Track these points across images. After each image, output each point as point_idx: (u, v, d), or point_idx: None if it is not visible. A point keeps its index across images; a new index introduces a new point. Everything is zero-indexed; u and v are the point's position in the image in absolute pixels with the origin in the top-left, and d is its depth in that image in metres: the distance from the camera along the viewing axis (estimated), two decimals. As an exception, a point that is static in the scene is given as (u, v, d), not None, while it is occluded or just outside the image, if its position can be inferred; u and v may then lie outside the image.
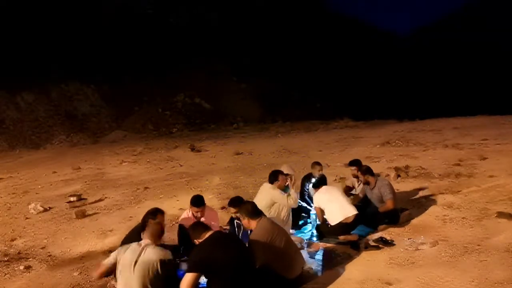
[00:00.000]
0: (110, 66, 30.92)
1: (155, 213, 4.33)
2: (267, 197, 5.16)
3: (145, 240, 3.60)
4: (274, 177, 5.35)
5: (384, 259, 4.37)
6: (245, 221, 4.00)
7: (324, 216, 5.27)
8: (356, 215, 5.01)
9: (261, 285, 3.43)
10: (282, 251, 3.82)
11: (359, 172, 5.76)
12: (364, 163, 6.46)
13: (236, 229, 4.80)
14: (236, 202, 4.70)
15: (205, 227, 3.56)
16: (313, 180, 6.50)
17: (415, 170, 8.60)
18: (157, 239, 3.66)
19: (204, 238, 3.45)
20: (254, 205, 4.13)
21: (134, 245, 3.59)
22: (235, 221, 4.80)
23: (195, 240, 3.56)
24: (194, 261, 3.31)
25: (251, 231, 4.04)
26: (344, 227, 4.97)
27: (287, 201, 5.11)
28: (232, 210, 4.73)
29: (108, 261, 3.66)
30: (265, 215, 4.14)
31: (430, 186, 7.27)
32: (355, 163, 6.21)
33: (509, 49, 73.87)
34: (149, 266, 3.41)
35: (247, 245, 3.77)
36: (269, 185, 5.33)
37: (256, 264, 3.60)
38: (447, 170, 8.38)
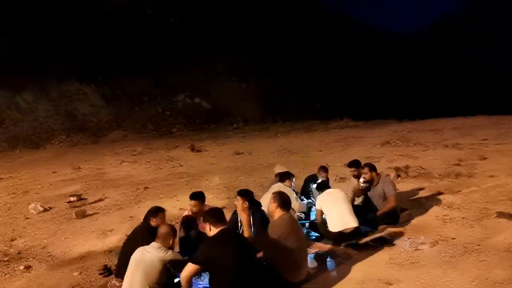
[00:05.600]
0: (110, 66, 30.87)
1: (157, 212, 4.35)
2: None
3: (155, 243, 3.65)
4: (286, 176, 5.72)
5: (384, 259, 4.37)
6: (272, 205, 4.04)
7: (324, 217, 5.26)
8: (356, 228, 4.93)
9: (263, 285, 3.43)
10: (290, 252, 3.78)
11: (367, 168, 5.67)
12: (364, 163, 6.44)
13: (239, 223, 4.81)
14: (247, 194, 4.71)
15: (221, 219, 3.53)
16: (318, 181, 6.51)
17: (415, 170, 8.60)
18: (168, 241, 3.70)
19: (214, 232, 3.43)
20: (286, 196, 4.14)
21: (142, 247, 3.65)
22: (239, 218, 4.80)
23: (207, 225, 3.51)
24: (199, 255, 3.33)
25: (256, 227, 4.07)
26: (341, 236, 4.90)
27: (296, 203, 5.43)
28: (239, 199, 4.64)
29: None
30: (289, 213, 4.14)
31: (430, 186, 7.27)
32: (354, 164, 6.17)
33: (509, 48, 73.84)
34: (151, 267, 3.44)
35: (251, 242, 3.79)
36: (281, 184, 5.60)
37: (258, 253, 3.61)
38: (447, 170, 8.38)
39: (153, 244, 3.64)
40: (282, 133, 20.93)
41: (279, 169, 6.35)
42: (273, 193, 4.18)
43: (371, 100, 41.03)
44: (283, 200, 4.03)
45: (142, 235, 4.12)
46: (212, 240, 3.41)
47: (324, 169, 6.61)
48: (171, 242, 3.75)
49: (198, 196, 4.84)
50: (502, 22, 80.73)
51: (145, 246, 3.64)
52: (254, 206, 4.76)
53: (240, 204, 4.63)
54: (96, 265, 4.95)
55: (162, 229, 3.76)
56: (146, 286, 3.42)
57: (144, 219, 4.42)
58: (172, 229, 3.85)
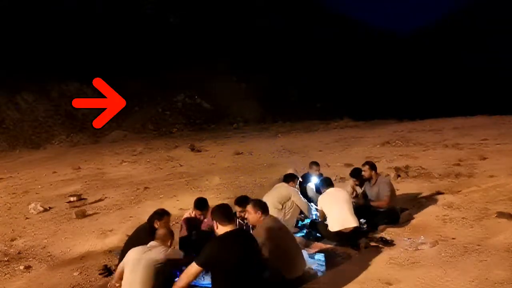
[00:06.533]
0: (110, 66, 30.88)
1: (162, 215, 4.35)
2: (285, 192, 5.33)
3: (153, 242, 3.66)
4: (290, 178, 5.70)
5: (384, 259, 4.37)
6: (255, 215, 3.97)
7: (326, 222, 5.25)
8: (356, 227, 4.93)
9: (263, 284, 3.42)
10: (284, 250, 3.83)
11: (367, 166, 5.70)
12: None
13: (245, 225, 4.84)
14: (243, 201, 4.70)
15: (230, 219, 3.34)
16: (312, 179, 6.53)
17: (415, 170, 8.60)
18: (166, 242, 3.71)
19: (221, 231, 3.31)
20: (264, 201, 4.19)
21: (141, 246, 3.64)
22: (238, 220, 4.81)
23: (215, 223, 3.35)
24: (205, 256, 3.21)
25: (253, 227, 4.07)
26: (341, 235, 4.90)
27: (304, 204, 5.45)
28: (238, 209, 4.67)
29: (120, 265, 3.72)
30: (270, 215, 4.15)
31: (430, 186, 7.27)
32: (357, 175, 6.06)
33: (509, 49, 73.84)
34: (153, 265, 3.43)
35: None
36: (284, 184, 5.59)
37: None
38: (447, 170, 8.38)
39: (152, 243, 3.64)
40: (282, 133, 20.93)
41: (291, 172, 6.28)
42: (250, 204, 4.10)
43: (371, 100, 41.04)
44: (262, 205, 4.04)
45: (145, 235, 4.12)
46: (219, 241, 3.28)
47: (315, 164, 6.62)
48: (169, 243, 3.76)
49: (205, 205, 4.78)
50: (503, 22, 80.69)
51: (144, 246, 3.63)
52: None
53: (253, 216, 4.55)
54: (96, 265, 4.95)
55: (161, 231, 3.82)
56: (147, 285, 3.41)
57: (148, 220, 4.42)
58: (170, 232, 3.88)
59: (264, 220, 3.96)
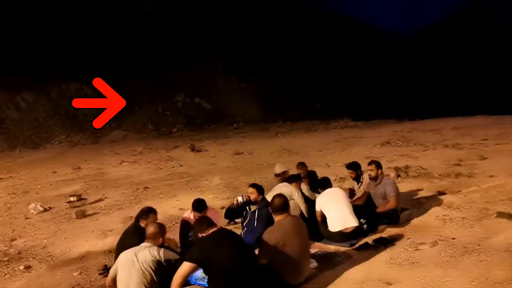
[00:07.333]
0: (110, 66, 30.88)
1: (148, 213, 4.32)
2: (287, 192, 5.33)
3: (145, 242, 3.63)
4: (293, 178, 5.79)
5: (384, 259, 4.37)
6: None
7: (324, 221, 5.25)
8: (356, 227, 4.93)
9: (261, 285, 3.43)
10: (290, 256, 3.72)
11: (373, 165, 5.65)
12: (364, 163, 6.45)
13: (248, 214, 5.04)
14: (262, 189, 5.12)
15: (211, 223, 3.57)
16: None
17: (415, 170, 8.60)
18: (157, 240, 3.67)
19: (207, 234, 3.45)
20: (282, 202, 4.01)
21: (133, 247, 3.62)
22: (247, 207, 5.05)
23: (199, 234, 3.56)
24: (194, 254, 3.34)
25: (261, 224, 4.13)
26: (341, 235, 4.89)
27: (304, 204, 5.51)
28: (250, 190, 5.04)
29: (113, 268, 3.69)
30: (291, 214, 4.11)
31: (430, 186, 7.27)
32: (353, 166, 6.14)
33: (509, 49, 73.85)
34: (146, 266, 3.42)
35: (250, 242, 3.80)
36: (285, 183, 5.65)
37: (258, 260, 3.60)
38: (447, 170, 8.38)
39: (144, 244, 3.61)
40: (282, 133, 20.92)
41: (279, 168, 6.37)
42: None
43: (371, 100, 41.05)
44: (273, 206, 3.98)
45: (130, 236, 4.13)
46: (207, 239, 3.42)
47: (302, 164, 6.67)
48: (161, 240, 3.69)
49: (203, 207, 4.79)
50: (503, 22, 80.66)
51: (136, 247, 3.59)
52: (264, 201, 4.86)
53: (255, 196, 4.95)
54: (96, 265, 4.96)
55: (150, 229, 3.69)
56: (142, 286, 3.41)
57: (135, 219, 4.40)
58: (160, 227, 3.78)
59: (280, 220, 3.88)
